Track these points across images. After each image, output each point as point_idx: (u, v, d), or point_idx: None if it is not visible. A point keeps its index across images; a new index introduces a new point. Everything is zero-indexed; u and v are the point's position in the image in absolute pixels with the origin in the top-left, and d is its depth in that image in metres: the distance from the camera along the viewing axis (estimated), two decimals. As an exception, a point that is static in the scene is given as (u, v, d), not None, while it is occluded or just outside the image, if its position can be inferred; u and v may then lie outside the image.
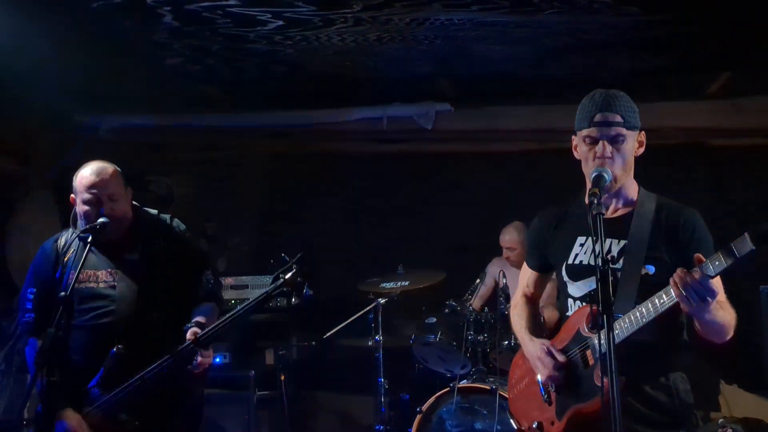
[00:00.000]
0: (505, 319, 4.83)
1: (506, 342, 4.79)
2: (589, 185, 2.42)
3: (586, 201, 2.37)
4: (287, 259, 2.82)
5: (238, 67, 4.60)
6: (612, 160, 2.41)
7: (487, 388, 4.58)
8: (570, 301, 2.55)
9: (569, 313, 2.55)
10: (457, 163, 6.13)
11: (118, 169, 3.08)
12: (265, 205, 6.62)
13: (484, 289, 5.40)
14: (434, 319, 5.11)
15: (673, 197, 2.59)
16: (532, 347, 2.59)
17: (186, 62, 4.47)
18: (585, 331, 2.45)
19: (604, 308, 2.09)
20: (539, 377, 2.58)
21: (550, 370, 2.48)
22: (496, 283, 5.44)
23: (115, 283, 3.01)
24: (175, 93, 5.24)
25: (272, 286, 2.82)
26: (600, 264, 2.09)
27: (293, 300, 2.83)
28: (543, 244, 2.71)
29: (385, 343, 5.05)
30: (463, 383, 4.64)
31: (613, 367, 2.03)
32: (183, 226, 3.24)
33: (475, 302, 4.99)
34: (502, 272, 5.17)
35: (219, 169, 6.46)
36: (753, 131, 5.27)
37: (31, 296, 3.09)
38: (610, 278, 2.09)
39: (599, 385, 2.31)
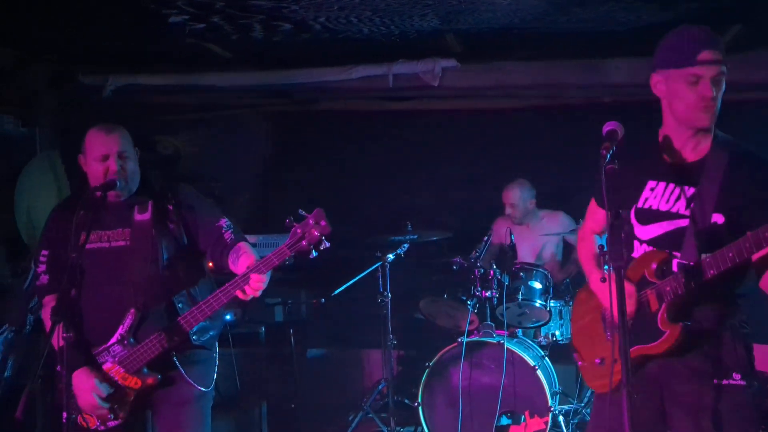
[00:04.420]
0: (513, 276, 4.88)
1: (513, 298, 4.84)
2: (672, 123, 2.40)
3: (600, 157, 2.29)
4: (304, 213, 2.82)
5: (243, 25, 4.56)
6: (716, 102, 2.34)
7: (495, 343, 4.65)
8: (636, 243, 2.54)
9: (634, 253, 2.54)
10: (464, 120, 6.10)
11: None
12: (270, 164, 6.62)
13: (490, 247, 5.43)
14: (442, 276, 5.16)
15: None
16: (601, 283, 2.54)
17: (190, 20, 4.42)
18: (650, 275, 2.45)
19: (613, 260, 2.12)
20: (603, 314, 2.60)
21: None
22: (502, 241, 5.47)
23: (128, 243, 3.03)
24: (179, 52, 5.20)
25: (291, 240, 2.80)
26: (612, 218, 2.11)
27: (311, 254, 2.81)
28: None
29: (393, 300, 5.11)
30: (471, 338, 4.70)
31: (625, 323, 2.09)
32: (191, 186, 3.26)
33: (483, 259, 5.03)
34: (509, 230, 5.20)
35: (224, 129, 6.45)
36: (763, 86, 5.22)
37: (44, 258, 3.12)
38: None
39: (663, 330, 2.38)
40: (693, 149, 2.45)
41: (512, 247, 5.05)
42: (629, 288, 2.43)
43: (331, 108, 6.16)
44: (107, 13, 4.32)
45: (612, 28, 4.63)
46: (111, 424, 2.97)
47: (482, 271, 4.85)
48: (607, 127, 2.37)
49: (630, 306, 2.40)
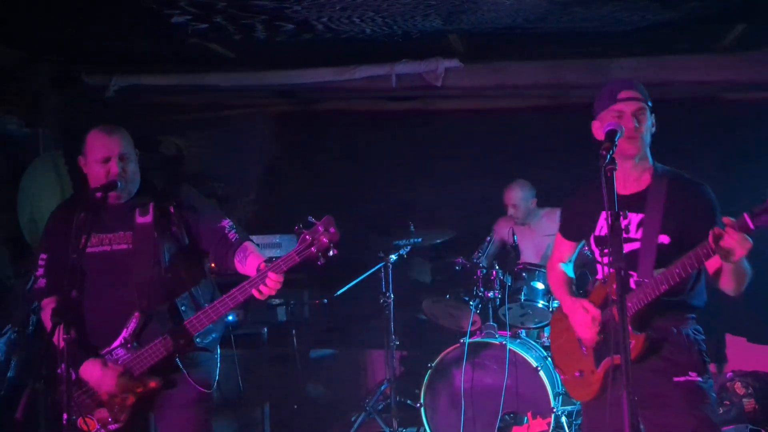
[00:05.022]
0: (515, 276, 4.87)
1: (516, 299, 4.83)
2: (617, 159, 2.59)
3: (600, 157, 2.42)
4: (313, 220, 2.81)
5: (245, 25, 4.56)
6: (639, 132, 2.66)
7: (497, 343, 4.64)
8: (599, 266, 2.84)
9: (598, 276, 2.86)
10: (467, 120, 6.09)
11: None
12: (273, 164, 6.62)
13: (493, 248, 5.43)
14: (445, 277, 5.15)
15: (686, 152, 2.77)
16: (572, 306, 2.90)
17: (192, 20, 4.42)
18: (612, 294, 2.61)
19: (615, 259, 2.26)
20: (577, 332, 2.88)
21: (588, 326, 2.79)
22: (504, 241, 5.46)
23: (130, 246, 3.03)
24: (182, 52, 5.20)
25: (300, 247, 2.79)
26: (611, 221, 2.19)
27: (319, 261, 2.81)
28: (575, 217, 3.03)
29: (396, 300, 5.10)
30: (473, 339, 4.69)
31: (624, 321, 2.19)
32: (191, 187, 3.26)
33: (485, 260, 5.02)
34: (511, 230, 5.19)
35: (227, 129, 6.45)
36: (766, 85, 5.20)
37: (43, 262, 3.12)
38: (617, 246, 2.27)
39: (629, 340, 2.57)
40: (636, 180, 2.79)
41: (515, 248, 5.05)
42: (595, 312, 2.77)
43: (334, 108, 6.15)
44: (109, 13, 4.32)
45: (615, 27, 4.62)
46: (111, 427, 2.97)
47: (485, 271, 4.85)
48: (607, 127, 2.41)
49: (596, 327, 2.75)
